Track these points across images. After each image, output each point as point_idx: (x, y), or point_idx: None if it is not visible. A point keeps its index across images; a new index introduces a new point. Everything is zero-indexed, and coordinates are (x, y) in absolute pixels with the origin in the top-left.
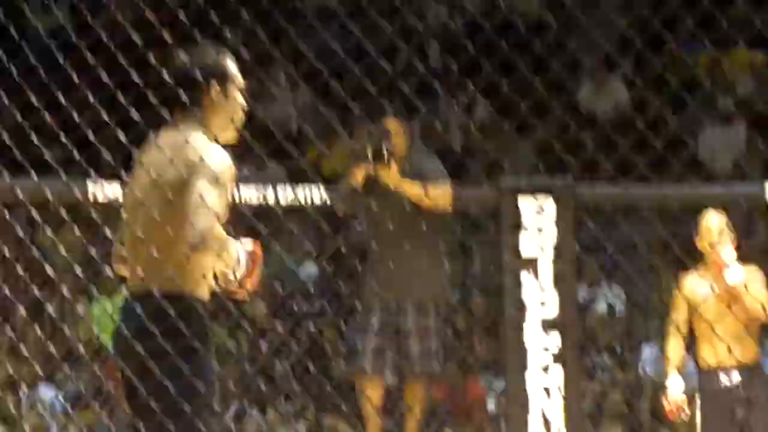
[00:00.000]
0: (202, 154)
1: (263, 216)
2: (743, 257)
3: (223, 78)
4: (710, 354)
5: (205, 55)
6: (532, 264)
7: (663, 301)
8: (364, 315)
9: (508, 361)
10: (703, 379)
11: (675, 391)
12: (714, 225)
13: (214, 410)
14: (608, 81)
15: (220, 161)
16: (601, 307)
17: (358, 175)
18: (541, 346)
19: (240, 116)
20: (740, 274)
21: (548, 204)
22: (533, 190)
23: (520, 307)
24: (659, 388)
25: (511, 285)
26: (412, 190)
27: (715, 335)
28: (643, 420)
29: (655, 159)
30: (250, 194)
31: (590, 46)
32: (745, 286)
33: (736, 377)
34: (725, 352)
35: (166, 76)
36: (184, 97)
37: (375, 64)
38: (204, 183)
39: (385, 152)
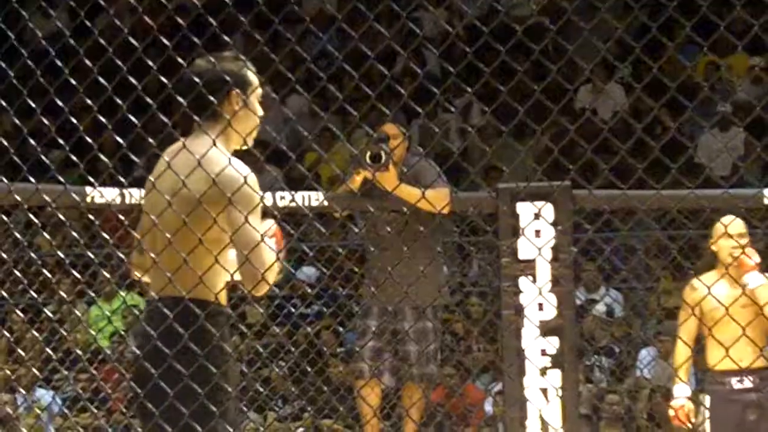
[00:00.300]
0: (232, 175)
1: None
2: None
3: (245, 86)
4: (721, 358)
5: (227, 62)
6: (530, 267)
7: (660, 305)
8: (362, 318)
9: (506, 363)
10: (712, 383)
11: (682, 398)
12: (737, 230)
13: (235, 418)
14: (606, 85)
15: (251, 180)
16: (600, 310)
17: (357, 180)
18: (538, 349)
19: (257, 125)
20: (760, 279)
21: (546, 208)
22: (531, 194)
23: (518, 311)
24: (657, 391)
25: (508, 288)
26: (409, 194)
27: (726, 339)
28: (640, 424)
29: (653, 163)
30: None
31: (588, 51)
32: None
33: (747, 382)
34: (738, 356)
35: (184, 84)
36: (205, 105)
37: (373, 68)
38: (242, 215)
39: (383, 156)
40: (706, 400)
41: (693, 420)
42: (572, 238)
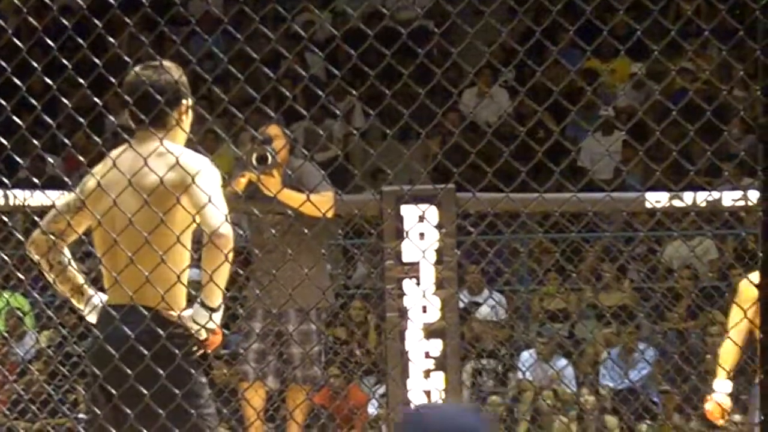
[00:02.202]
0: (192, 160)
1: None
2: None
3: (188, 95)
4: None
5: (175, 71)
6: (413, 270)
7: (543, 308)
8: (246, 320)
9: (390, 366)
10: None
11: (721, 394)
12: None
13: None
14: (491, 89)
15: (210, 165)
16: (483, 312)
17: (242, 182)
18: (422, 352)
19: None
20: None
21: (430, 211)
22: (415, 197)
23: (402, 313)
24: (540, 393)
25: (392, 291)
26: (293, 197)
27: None
28: (523, 426)
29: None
30: None
31: (473, 55)
32: None
33: None
34: None
35: (134, 91)
36: (159, 113)
37: (258, 70)
38: (208, 184)
39: (267, 159)
40: (753, 405)
41: (726, 417)
42: (456, 241)
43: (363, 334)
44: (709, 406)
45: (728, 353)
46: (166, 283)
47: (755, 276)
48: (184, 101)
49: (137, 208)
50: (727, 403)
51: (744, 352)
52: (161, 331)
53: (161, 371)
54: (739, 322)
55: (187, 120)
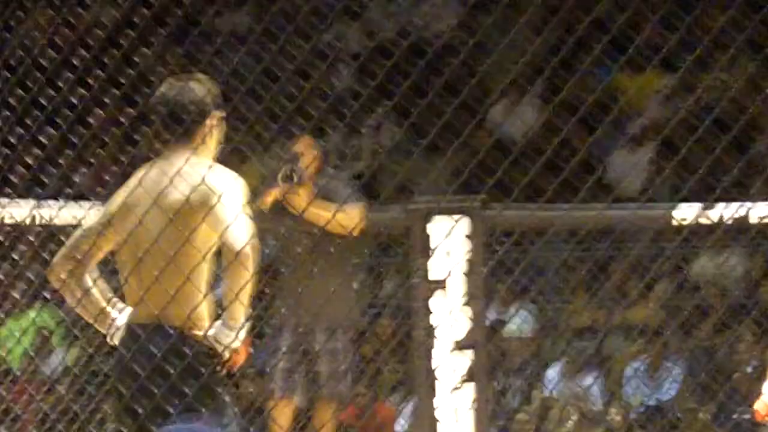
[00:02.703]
0: (216, 179)
1: None
2: None
3: (220, 106)
4: None
5: (207, 83)
6: (441, 285)
7: (569, 324)
8: (273, 337)
9: (417, 382)
10: None
11: None
12: None
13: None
14: (519, 103)
15: (235, 182)
16: (511, 329)
17: (268, 198)
18: (450, 367)
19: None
20: None
21: (458, 225)
22: (443, 212)
23: (429, 329)
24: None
25: (420, 307)
26: (322, 213)
27: None
28: None
29: (565, 181)
30: None
31: (502, 69)
32: None
33: None
34: None
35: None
36: (191, 126)
37: (287, 86)
38: (232, 203)
39: (295, 175)
40: None
41: None
42: (484, 257)
43: (390, 351)
44: (757, 406)
45: None
46: (189, 302)
47: None
48: (213, 113)
49: (161, 227)
50: None
51: None
52: (186, 350)
53: (186, 390)
54: None
55: (218, 132)
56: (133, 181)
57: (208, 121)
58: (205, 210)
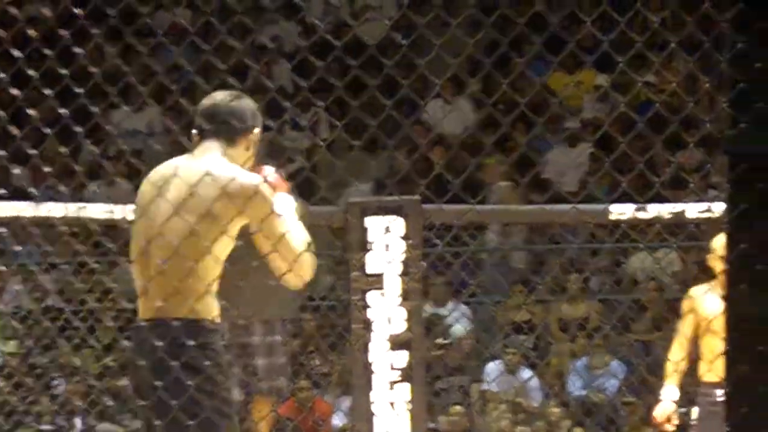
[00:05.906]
0: (255, 183)
1: (110, 232)
2: None
3: (259, 127)
4: (710, 369)
5: (250, 101)
6: (378, 281)
7: (508, 320)
8: None
9: (354, 377)
10: (701, 395)
11: (667, 402)
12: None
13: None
14: (456, 100)
15: (263, 185)
16: (448, 324)
17: None
18: (387, 363)
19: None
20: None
21: (396, 222)
22: (381, 208)
23: (367, 325)
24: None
25: (357, 302)
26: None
27: (716, 351)
28: None
29: (504, 178)
30: (98, 210)
31: (439, 66)
32: None
33: None
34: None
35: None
36: (231, 133)
37: (225, 82)
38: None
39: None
40: (695, 411)
41: (675, 423)
42: (422, 253)
43: (328, 346)
44: (656, 412)
45: (675, 360)
46: (202, 294)
47: (694, 290)
48: (256, 129)
49: (182, 221)
50: (674, 408)
51: (689, 359)
52: (199, 341)
53: (198, 379)
54: (681, 327)
55: (253, 149)
56: (159, 172)
57: (252, 134)
58: (242, 199)
